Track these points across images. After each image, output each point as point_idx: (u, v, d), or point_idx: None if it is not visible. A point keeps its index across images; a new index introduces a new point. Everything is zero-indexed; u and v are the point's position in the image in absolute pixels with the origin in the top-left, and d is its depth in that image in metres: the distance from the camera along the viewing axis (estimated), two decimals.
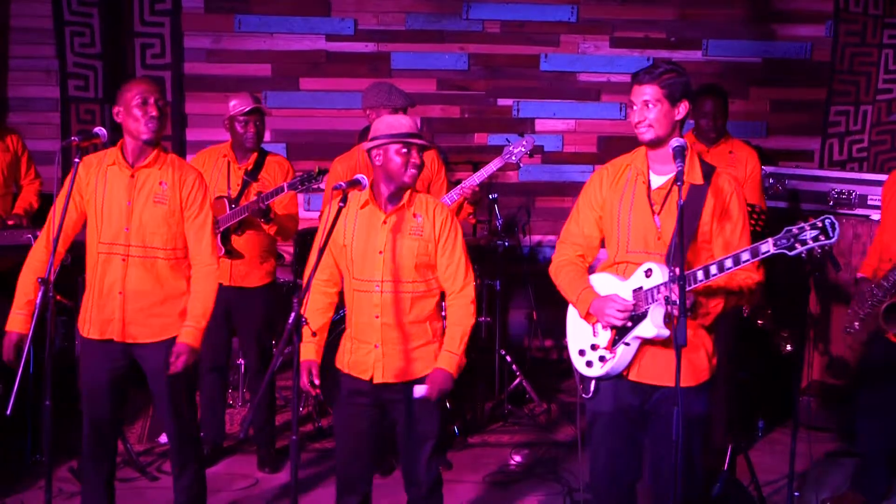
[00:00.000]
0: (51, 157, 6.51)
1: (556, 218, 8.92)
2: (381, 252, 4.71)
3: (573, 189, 8.82)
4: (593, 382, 4.54)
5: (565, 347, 4.74)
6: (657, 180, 4.45)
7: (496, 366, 7.58)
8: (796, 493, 5.76)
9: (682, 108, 4.37)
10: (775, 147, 8.80)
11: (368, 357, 4.77)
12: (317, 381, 4.77)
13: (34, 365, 5.66)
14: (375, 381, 4.75)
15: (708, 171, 4.41)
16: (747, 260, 4.11)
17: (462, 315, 4.81)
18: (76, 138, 4.87)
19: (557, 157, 8.90)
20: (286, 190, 6.17)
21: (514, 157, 6.75)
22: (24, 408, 5.79)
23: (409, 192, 4.77)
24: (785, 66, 8.92)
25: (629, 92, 4.44)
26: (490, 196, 7.44)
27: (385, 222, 4.73)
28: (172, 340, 5.05)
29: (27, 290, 4.97)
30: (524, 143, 6.76)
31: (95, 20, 8.31)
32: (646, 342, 4.38)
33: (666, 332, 4.29)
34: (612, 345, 4.42)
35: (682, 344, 3.96)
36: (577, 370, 4.61)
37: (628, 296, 4.37)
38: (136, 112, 4.91)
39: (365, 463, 4.90)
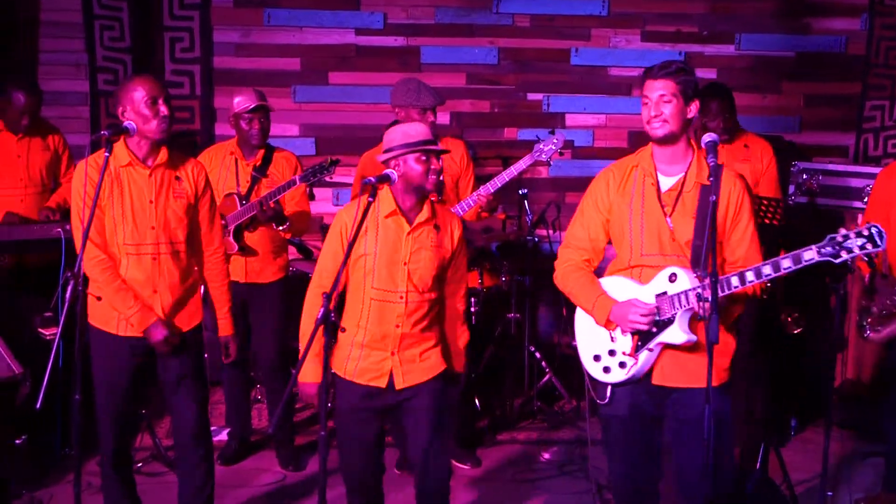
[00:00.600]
0: (80, 151, 6.51)
1: None
2: (405, 263, 4.71)
3: None
4: (609, 388, 4.51)
5: (575, 341, 4.70)
6: (666, 181, 4.42)
7: (525, 362, 7.55)
8: (829, 493, 5.70)
9: (694, 108, 4.37)
10: (809, 142, 8.71)
11: (384, 364, 4.77)
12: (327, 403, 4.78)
13: (63, 360, 5.66)
14: (398, 386, 4.77)
15: (715, 169, 4.31)
16: (788, 268, 4.07)
17: (459, 333, 4.98)
18: (106, 132, 4.87)
19: (588, 153, 8.83)
20: (298, 183, 6.16)
21: (544, 155, 6.71)
22: (53, 402, 5.79)
23: (431, 203, 4.78)
24: (819, 60, 8.81)
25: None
26: (520, 191, 7.39)
27: (410, 234, 4.72)
28: (190, 332, 5.13)
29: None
30: (554, 140, 6.72)
31: (125, 14, 8.32)
32: (668, 346, 4.33)
33: (695, 338, 4.27)
34: (636, 351, 4.38)
35: (714, 342, 3.95)
36: (590, 375, 4.58)
37: (650, 300, 4.33)
38: (146, 112, 4.92)
39: (373, 469, 4.95)
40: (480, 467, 6.55)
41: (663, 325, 4.31)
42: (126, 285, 4.97)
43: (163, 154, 5.04)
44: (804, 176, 7.33)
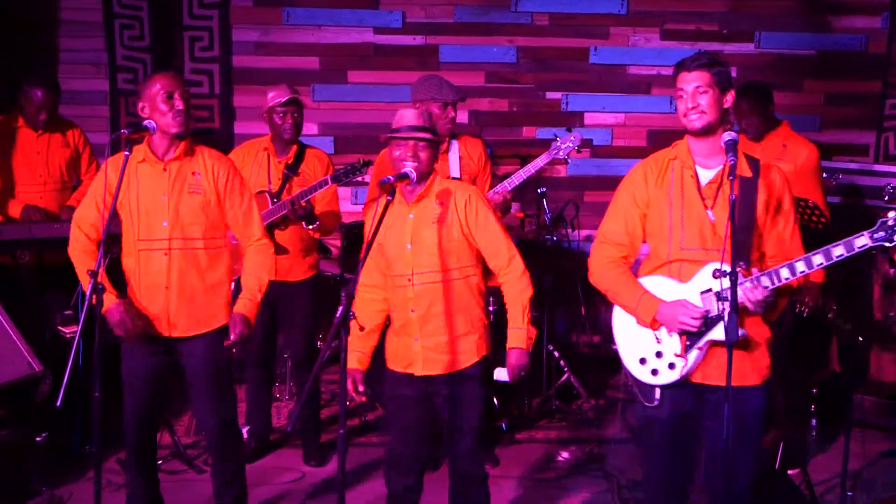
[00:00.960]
0: (100, 150, 6.55)
1: (604, 212, 8.84)
2: (409, 245, 4.73)
3: None
4: (657, 390, 4.42)
5: (614, 343, 4.64)
6: (706, 174, 4.35)
7: (544, 361, 7.54)
8: (850, 493, 5.68)
9: (730, 97, 4.31)
10: (829, 141, 8.68)
11: (409, 351, 4.80)
12: (361, 389, 4.77)
13: (83, 357, 5.68)
14: (417, 373, 4.78)
15: (755, 164, 4.33)
16: (841, 255, 4.03)
17: (516, 290, 4.84)
18: (126, 131, 4.89)
19: (607, 151, 8.82)
20: (329, 183, 6.15)
21: (561, 153, 6.71)
22: (73, 400, 5.81)
23: (431, 180, 4.76)
24: (839, 59, 8.78)
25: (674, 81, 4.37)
26: (538, 190, 7.38)
27: (409, 215, 4.74)
28: (213, 333, 5.09)
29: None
30: (572, 138, 6.71)
31: (145, 13, 8.35)
32: (715, 344, 4.29)
33: (745, 333, 4.22)
34: (686, 351, 4.32)
35: (734, 340, 3.96)
36: (636, 379, 4.48)
37: (694, 299, 4.28)
38: (162, 106, 4.93)
39: (412, 451, 4.90)
40: (499, 466, 6.54)
41: (711, 322, 4.25)
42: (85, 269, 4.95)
43: (180, 149, 5.03)
44: (824, 175, 7.28)
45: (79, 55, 8.42)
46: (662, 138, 8.73)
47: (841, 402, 6.62)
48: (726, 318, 4.02)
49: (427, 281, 4.72)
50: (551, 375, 7.58)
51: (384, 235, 4.72)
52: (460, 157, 6.58)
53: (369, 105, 8.61)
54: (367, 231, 4.47)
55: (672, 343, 4.36)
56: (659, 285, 4.38)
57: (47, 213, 6.88)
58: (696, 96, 4.25)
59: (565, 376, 7.60)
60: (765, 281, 4.16)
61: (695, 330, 4.27)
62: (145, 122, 4.94)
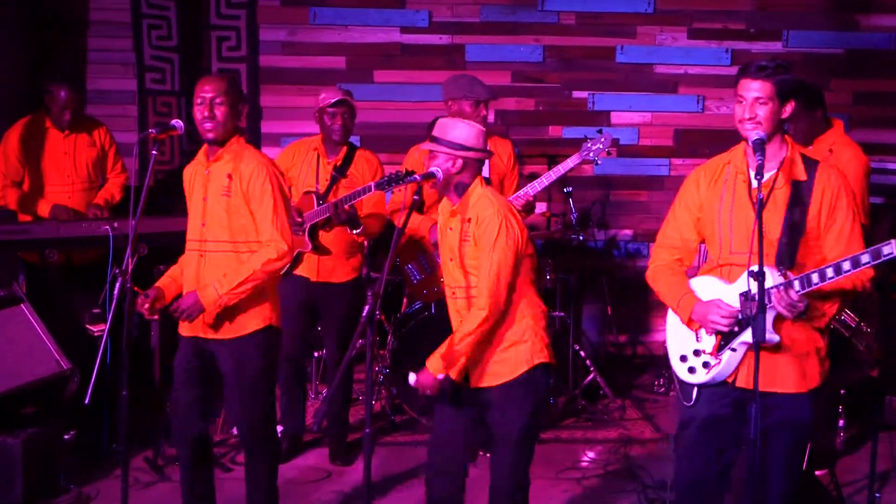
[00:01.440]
0: (128, 150, 6.58)
1: (631, 212, 8.84)
2: (451, 259, 4.72)
3: (649, 183, 8.77)
4: (695, 390, 4.40)
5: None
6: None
7: (570, 361, 7.52)
8: (877, 494, 5.65)
9: (789, 108, 4.23)
10: (857, 140, 8.52)
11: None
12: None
13: (111, 356, 5.71)
14: (471, 385, 4.74)
15: (811, 166, 4.26)
16: (867, 262, 3.98)
17: (467, 320, 4.64)
18: (153, 131, 4.90)
19: (633, 151, 8.80)
20: (373, 190, 6.13)
21: (591, 154, 6.70)
22: (101, 398, 5.84)
23: (467, 194, 4.71)
24: (868, 58, 8.72)
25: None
26: (564, 189, 7.37)
27: (451, 229, 4.73)
28: (242, 339, 5.06)
29: None
30: (602, 139, 6.71)
31: (172, 13, 8.39)
32: (752, 347, 4.24)
33: (776, 338, 4.16)
34: (718, 351, 4.29)
35: (761, 340, 3.91)
36: (677, 377, 4.48)
37: (734, 300, 4.23)
38: (195, 113, 4.94)
39: (453, 456, 4.82)
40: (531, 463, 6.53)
41: (746, 324, 4.18)
42: None
43: (220, 152, 5.03)
44: None
45: (107, 55, 8.47)
46: (689, 137, 8.77)
47: (870, 403, 6.57)
48: (754, 317, 3.99)
49: (468, 296, 4.68)
50: (577, 375, 7.56)
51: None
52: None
53: (395, 105, 8.62)
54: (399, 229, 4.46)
55: (709, 343, 4.34)
56: (707, 285, 4.37)
57: (76, 213, 6.92)
58: (754, 107, 4.19)
59: (591, 376, 7.60)
60: (796, 285, 4.12)
61: (725, 330, 4.23)
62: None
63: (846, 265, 4.02)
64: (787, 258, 4.19)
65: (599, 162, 6.88)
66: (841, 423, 7.01)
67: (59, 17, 8.31)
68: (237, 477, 5.46)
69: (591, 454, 6.71)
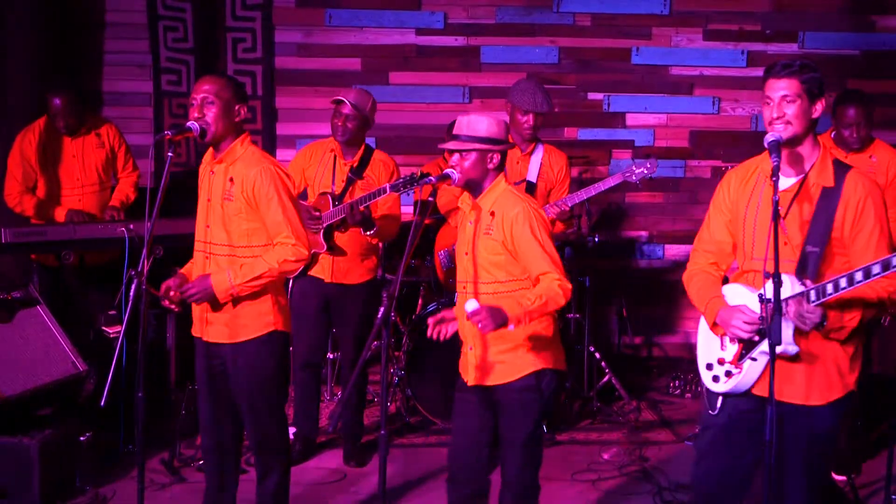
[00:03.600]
0: (144, 151, 6.59)
1: (646, 213, 8.83)
2: (467, 254, 4.71)
3: (664, 184, 8.75)
4: (720, 399, 4.32)
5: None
6: (784, 182, 4.19)
7: (585, 363, 7.52)
8: (894, 497, 5.62)
9: (819, 107, 4.14)
10: None
11: (466, 359, 4.77)
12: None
13: (127, 357, 5.73)
14: (469, 383, 4.73)
15: (841, 173, 4.14)
16: (878, 273, 3.89)
17: (545, 287, 4.55)
18: (169, 132, 4.87)
19: (648, 152, 8.76)
20: (388, 192, 6.12)
21: (634, 177, 6.72)
22: (117, 399, 5.86)
23: (489, 188, 4.70)
24: (885, 59, 8.69)
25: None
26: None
27: (471, 222, 4.71)
28: (248, 343, 5.01)
29: None
30: (648, 165, 6.72)
31: (188, 15, 8.41)
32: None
33: (794, 349, 4.08)
34: (739, 359, 4.23)
35: (776, 342, 3.84)
36: (703, 385, 4.42)
37: (758, 307, 4.12)
38: (195, 113, 4.93)
39: (473, 458, 4.80)
40: (540, 467, 6.52)
41: (765, 333, 4.05)
42: None
43: (223, 154, 4.99)
44: None
45: (124, 57, 8.50)
46: (704, 139, 8.75)
47: (888, 406, 6.54)
48: (769, 320, 3.92)
49: (478, 291, 4.66)
50: (593, 377, 7.56)
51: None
52: (542, 163, 6.64)
53: (411, 106, 8.62)
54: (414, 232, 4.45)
55: (731, 351, 4.28)
56: (735, 293, 4.29)
57: (89, 216, 6.92)
58: (782, 105, 4.09)
59: (606, 378, 7.59)
60: (811, 295, 4.07)
61: (746, 336, 4.16)
62: (188, 124, 4.91)
63: (859, 275, 3.94)
64: (810, 267, 4.10)
65: (641, 186, 6.90)
66: (858, 423, 6.99)
67: (75, 18, 8.33)
68: (250, 479, 5.44)
69: (606, 456, 6.70)
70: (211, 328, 5.04)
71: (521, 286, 4.65)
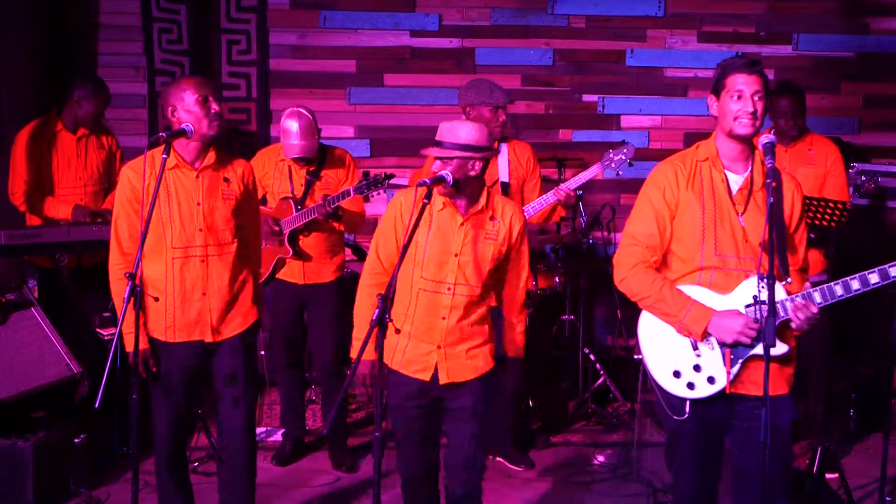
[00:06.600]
0: (138, 153, 6.58)
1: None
2: (456, 255, 4.70)
3: None
4: (688, 403, 4.28)
5: (639, 354, 4.53)
6: (735, 179, 4.27)
7: (580, 364, 7.54)
8: (888, 498, 5.63)
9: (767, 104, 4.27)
10: (868, 144, 8.60)
11: (429, 357, 4.76)
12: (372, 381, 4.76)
13: (121, 359, 5.72)
14: (441, 381, 4.74)
15: (772, 172, 4.15)
16: (877, 283, 3.97)
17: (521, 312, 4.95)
18: (164, 134, 4.90)
19: (643, 154, 8.72)
20: (353, 194, 6.19)
21: (613, 164, 6.70)
22: (111, 402, 5.85)
23: (487, 194, 4.74)
24: (879, 61, 8.68)
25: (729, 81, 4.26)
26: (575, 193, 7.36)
27: (462, 225, 4.71)
28: (245, 333, 5.16)
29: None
30: (625, 150, 6.70)
31: (183, 17, 8.40)
32: (754, 357, 4.18)
33: (786, 347, 4.16)
34: (731, 364, 4.19)
35: (771, 344, 3.85)
36: (665, 391, 4.34)
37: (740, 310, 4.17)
38: (197, 110, 4.93)
39: (421, 465, 4.90)
40: (534, 469, 6.54)
41: (756, 336, 4.12)
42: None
43: (210, 156, 5.06)
44: (863, 178, 7.21)
45: (118, 59, 8.48)
46: (699, 141, 8.72)
47: (881, 406, 6.56)
48: (764, 322, 3.93)
49: (469, 293, 4.71)
50: (587, 378, 7.57)
51: (425, 237, 4.70)
52: (509, 160, 6.60)
53: (406, 108, 8.61)
54: (407, 224, 4.45)
55: (713, 356, 4.23)
56: (699, 296, 4.23)
57: (95, 213, 6.96)
58: (754, 100, 4.17)
59: (601, 379, 7.60)
60: (817, 297, 4.09)
61: (749, 342, 4.15)
62: (183, 125, 4.93)
63: (874, 277, 4.01)
64: (780, 262, 4.13)
65: (621, 173, 6.86)
66: (851, 426, 7.02)
67: (69, 20, 8.32)
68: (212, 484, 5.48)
69: (601, 458, 6.72)
70: (216, 327, 5.13)
71: (490, 295, 4.85)
